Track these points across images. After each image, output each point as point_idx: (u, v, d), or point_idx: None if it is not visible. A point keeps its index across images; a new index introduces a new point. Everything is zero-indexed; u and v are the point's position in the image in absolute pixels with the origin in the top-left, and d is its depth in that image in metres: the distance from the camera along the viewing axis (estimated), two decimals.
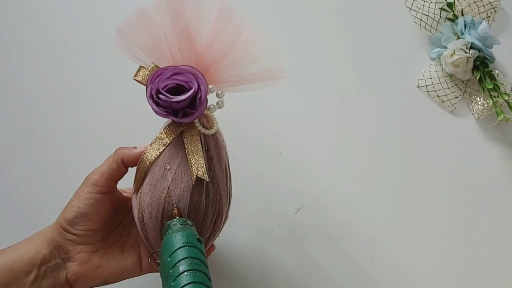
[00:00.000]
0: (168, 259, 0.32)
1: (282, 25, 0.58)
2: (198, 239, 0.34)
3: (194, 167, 0.37)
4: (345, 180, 0.54)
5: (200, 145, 0.38)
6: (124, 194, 0.43)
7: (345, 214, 0.53)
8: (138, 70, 0.40)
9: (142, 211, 0.38)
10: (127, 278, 0.40)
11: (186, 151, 0.38)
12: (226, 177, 0.41)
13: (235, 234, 0.52)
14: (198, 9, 0.37)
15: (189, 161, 0.38)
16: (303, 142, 0.55)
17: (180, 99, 0.35)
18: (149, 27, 0.38)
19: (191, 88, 0.36)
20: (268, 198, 0.53)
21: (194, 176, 0.37)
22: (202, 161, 0.38)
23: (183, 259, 0.32)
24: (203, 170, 0.37)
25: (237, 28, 0.38)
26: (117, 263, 0.39)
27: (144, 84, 0.39)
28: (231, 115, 0.54)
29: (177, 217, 0.36)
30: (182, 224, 0.35)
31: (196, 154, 0.38)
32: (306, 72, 0.57)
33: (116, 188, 0.41)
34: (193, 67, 0.37)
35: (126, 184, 0.43)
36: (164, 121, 0.41)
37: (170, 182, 0.37)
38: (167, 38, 0.38)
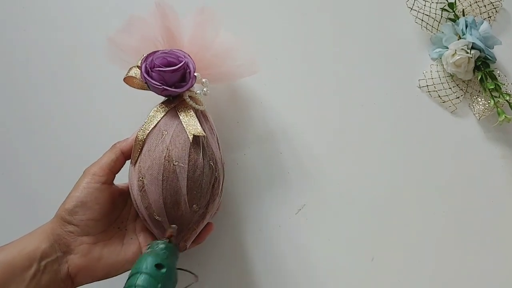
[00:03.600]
0: (125, 284, 0.34)
1: (282, 25, 0.58)
2: (158, 265, 0.35)
3: (190, 128, 0.40)
4: (346, 180, 0.54)
5: (193, 113, 0.42)
6: (120, 186, 0.44)
7: (346, 214, 0.53)
8: (130, 70, 0.43)
9: (142, 178, 0.39)
10: (127, 270, 0.40)
11: (181, 118, 0.41)
12: (219, 150, 0.44)
13: (235, 234, 0.52)
14: (176, 15, 0.43)
15: (184, 125, 0.40)
16: (304, 143, 0.55)
17: (173, 68, 0.40)
18: (138, 32, 0.43)
19: (180, 62, 0.41)
20: (269, 198, 0.53)
21: (191, 135, 0.40)
22: (196, 123, 0.41)
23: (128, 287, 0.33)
24: (198, 129, 0.40)
25: (215, 28, 0.44)
26: (117, 254, 0.39)
27: (133, 82, 0.43)
28: (232, 116, 0.55)
29: (162, 240, 0.38)
30: (151, 248, 0.37)
31: (190, 118, 0.41)
32: (306, 72, 0.57)
33: (113, 183, 0.42)
34: (181, 50, 0.42)
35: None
36: None
37: (169, 143, 0.39)
38: (156, 39, 0.43)
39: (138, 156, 0.41)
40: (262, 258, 0.52)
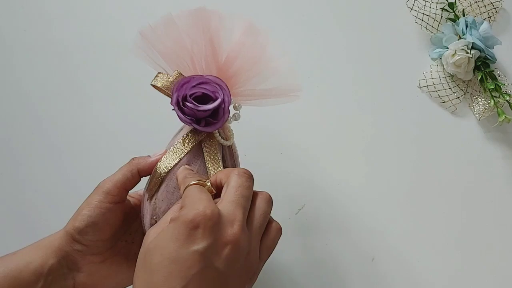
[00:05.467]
0: None
1: (282, 25, 0.58)
2: None
3: (212, 173, 0.38)
4: (346, 180, 0.54)
5: (219, 155, 0.39)
6: (131, 199, 0.42)
7: (346, 214, 0.53)
8: (157, 76, 0.39)
9: (156, 218, 0.38)
10: (129, 285, 0.40)
11: (205, 159, 0.38)
12: None
13: None
14: (223, 22, 0.38)
15: (208, 170, 0.38)
16: (304, 143, 0.55)
17: (207, 108, 0.36)
18: (173, 35, 0.38)
19: (217, 98, 0.36)
20: None
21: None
22: (220, 166, 0.38)
23: None
24: None
25: (263, 44, 0.39)
26: (123, 272, 0.39)
27: (161, 90, 0.39)
28: None
29: None
30: None
31: (215, 163, 0.38)
32: (306, 72, 0.57)
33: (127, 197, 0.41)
34: (218, 77, 0.37)
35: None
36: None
37: None
38: (193, 47, 0.38)
39: (155, 192, 0.38)
40: None
